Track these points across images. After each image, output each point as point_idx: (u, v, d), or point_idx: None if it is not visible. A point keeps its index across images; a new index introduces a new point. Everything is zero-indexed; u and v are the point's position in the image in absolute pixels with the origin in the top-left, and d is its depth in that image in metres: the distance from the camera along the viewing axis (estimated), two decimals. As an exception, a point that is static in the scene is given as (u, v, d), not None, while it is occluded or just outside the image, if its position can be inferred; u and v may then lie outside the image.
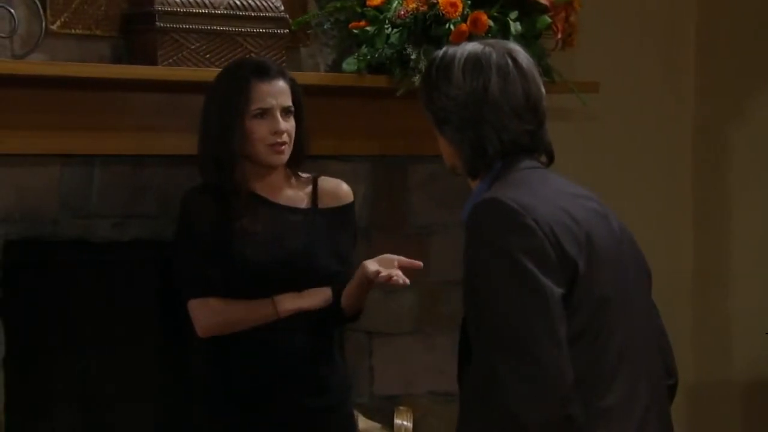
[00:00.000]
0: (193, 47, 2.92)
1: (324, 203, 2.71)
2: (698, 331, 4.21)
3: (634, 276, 2.03)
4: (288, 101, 2.64)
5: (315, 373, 2.68)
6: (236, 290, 2.62)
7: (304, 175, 2.74)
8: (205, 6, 2.96)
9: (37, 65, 2.81)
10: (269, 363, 2.64)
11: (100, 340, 3.10)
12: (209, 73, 2.94)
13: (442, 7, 3.09)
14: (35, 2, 2.81)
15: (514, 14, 3.18)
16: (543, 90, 2.04)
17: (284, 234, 2.65)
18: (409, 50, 3.10)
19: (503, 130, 1.97)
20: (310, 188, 2.71)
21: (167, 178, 3.08)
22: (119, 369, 3.12)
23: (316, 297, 2.65)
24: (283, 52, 3.07)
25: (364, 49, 3.13)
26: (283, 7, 3.08)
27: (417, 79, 3.02)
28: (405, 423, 3.16)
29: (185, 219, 2.67)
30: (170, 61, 2.90)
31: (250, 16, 3.01)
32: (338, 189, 2.75)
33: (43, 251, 2.95)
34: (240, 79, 2.62)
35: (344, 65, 3.16)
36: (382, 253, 3.45)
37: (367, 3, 3.16)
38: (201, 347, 2.71)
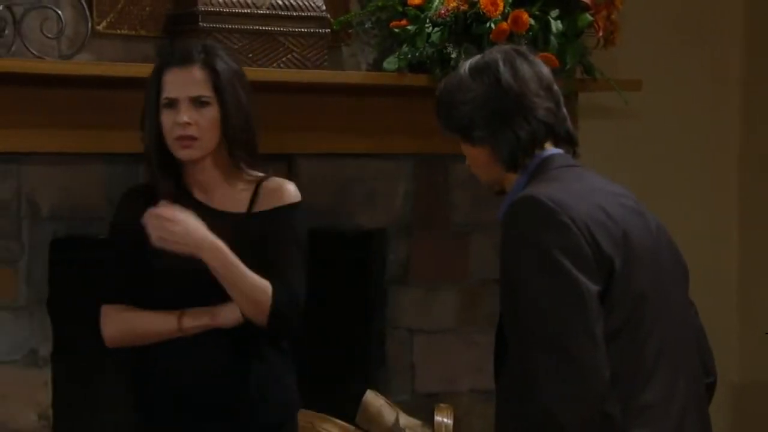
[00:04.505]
0: (235, 47, 2.95)
1: (261, 205, 2.40)
2: (744, 331, 4.18)
3: (671, 274, 2.03)
4: (198, 91, 2.37)
5: (233, 394, 2.38)
6: (155, 300, 2.39)
7: (253, 175, 2.44)
8: (248, 6, 2.99)
9: (83, 65, 2.85)
10: (184, 381, 2.37)
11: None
12: (251, 73, 2.96)
13: (482, 6, 3.10)
14: (81, 3, 2.85)
15: (555, 12, 3.19)
16: (551, 73, 2.07)
17: None
18: (449, 49, 3.11)
19: (527, 112, 2.01)
20: (251, 190, 2.42)
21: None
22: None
23: (228, 314, 2.35)
24: (325, 51, 3.09)
25: (404, 48, 3.15)
26: (324, 7, 3.10)
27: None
28: (445, 420, 3.17)
29: (113, 219, 2.50)
30: (213, 60, 2.94)
31: (291, 16, 3.04)
32: (280, 189, 2.42)
33: (89, 249, 2.99)
34: (156, 69, 2.43)
35: (385, 64, 3.18)
36: (424, 251, 3.49)
37: (408, 2, 3.18)
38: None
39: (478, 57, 2.08)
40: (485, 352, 3.37)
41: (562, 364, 1.83)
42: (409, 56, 3.13)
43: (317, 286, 3.40)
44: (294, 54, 3.04)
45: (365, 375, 3.42)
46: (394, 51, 3.20)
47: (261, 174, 2.43)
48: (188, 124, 2.36)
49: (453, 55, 3.09)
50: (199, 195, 2.41)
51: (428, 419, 3.22)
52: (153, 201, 2.36)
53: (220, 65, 2.38)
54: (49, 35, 2.79)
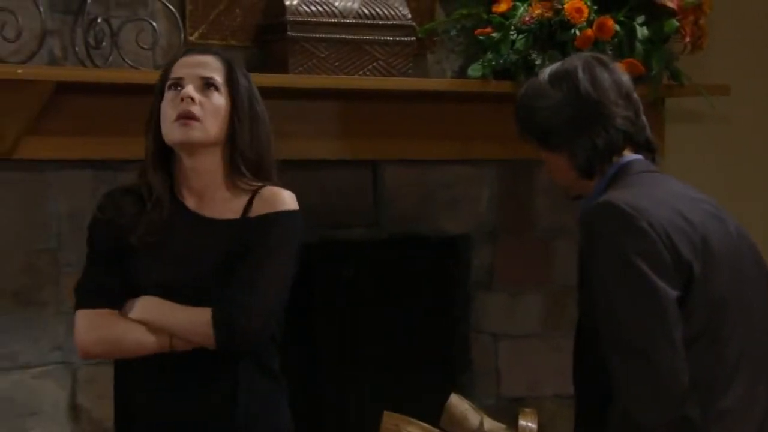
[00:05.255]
0: (322, 55, 3.00)
1: (254, 212, 2.17)
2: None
3: (752, 279, 2.03)
4: (210, 73, 2.17)
5: (222, 429, 2.15)
6: None
7: (252, 185, 2.20)
8: (335, 15, 3.04)
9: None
10: (171, 421, 2.15)
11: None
12: (338, 81, 3.04)
13: (567, 13, 3.12)
14: (175, 15, 2.93)
15: (640, 18, 3.19)
16: (631, 81, 2.08)
17: (195, 250, 2.16)
18: (533, 56, 3.13)
19: (605, 120, 2.03)
20: (247, 197, 2.19)
21: (298, 181, 3.18)
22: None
23: None
24: (410, 59, 3.13)
25: (489, 55, 3.17)
26: (410, 15, 3.14)
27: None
28: (530, 425, 3.17)
29: (90, 222, 2.25)
30: (301, 69, 2.99)
31: (377, 25, 3.08)
32: (274, 196, 2.18)
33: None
34: (168, 63, 2.27)
35: (469, 71, 3.20)
36: (508, 257, 3.51)
37: (493, 9, 3.20)
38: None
39: (557, 64, 2.10)
40: (570, 357, 3.39)
41: (641, 368, 1.84)
42: (493, 63, 3.15)
43: (403, 290, 3.47)
44: (379, 62, 3.08)
45: (450, 379, 3.44)
46: (478, 58, 3.22)
47: (257, 183, 2.19)
48: (192, 100, 2.13)
49: (537, 62, 3.11)
50: (190, 203, 2.19)
51: (513, 423, 3.23)
52: (136, 204, 2.19)
53: (237, 66, 2.22)
54: (144, 46, 2.87)
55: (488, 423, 3.20)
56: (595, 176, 2.05)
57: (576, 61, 2.08)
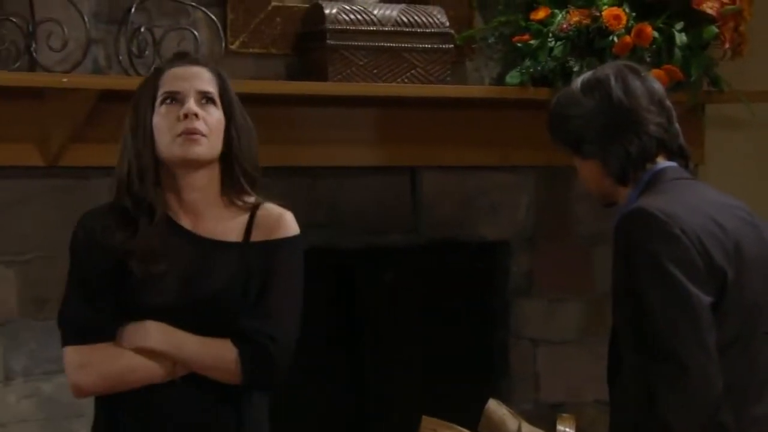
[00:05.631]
0: (361, 63, 3.04)
1: (258, 235, 2.08)
2: None
3: None
4: (207, 86, 2.08)
5: None
6: None
7: (245, 201, 2.11)
8: (374, 23, 3.07)
9: (217, 83, 2.98)
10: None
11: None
12: (377, 88, 3.07)
13: (605, 20, 3.12)
14: (216, 24, 2.98)
15: (679, 25, 3.19)
16: (663, 89, 2.10)
17: (198, 274, 2.05)
18: (571, 62, 3.14)
19: (637, 127, 2.05)
20: (245, 218, 2.09)
21: (338, 188, 3.22)
22: (290, 373, 3.24)
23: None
24: (448, 66, 3.15)
25: (527, 62, 3.19)
26: (448, 23, 3.16)
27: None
28: (567, 430, 3.18)
29: (71, 246, 2.11)
30: (340, 76, 3.02)
31: (416, 32, 3.11)
32: (280, 220, 2.09)
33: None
34: (152, 72, 2.16)
35: (507, 78, 3.22)
36: (547, 263, 3.51)
37: (531, 17, 3.22)
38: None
39: (590, 73, 2.12)
40: (609, 364, 3.39)
41: (675, 374, 1.86)
42: (531, 70, 3.17)
43: (442, 296, 3.49)
44: (418, 69, 3.11)
45: (489, 384, 3.46)
46: (516, 65, 3.24)
47: (252, 199, 2.11)
48: (196, 116, 2.04)
49: (575, 69, 3.12)
50: (185, 222, 2.08)
51: (551, 429, 3.24)
52: (122, 226, 2.05)
53: (227, 77, 2.15)
54: (186, 54, 2.92)
55: (526, 428, 3.21)
56: (628, 183, 2.06)
57: (608, 69, 2.10)
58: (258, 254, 2.06)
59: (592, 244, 3.52)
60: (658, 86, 2.09)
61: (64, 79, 2.67)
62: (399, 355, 3.44)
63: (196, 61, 2.15)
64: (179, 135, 2.04)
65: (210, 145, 2.06)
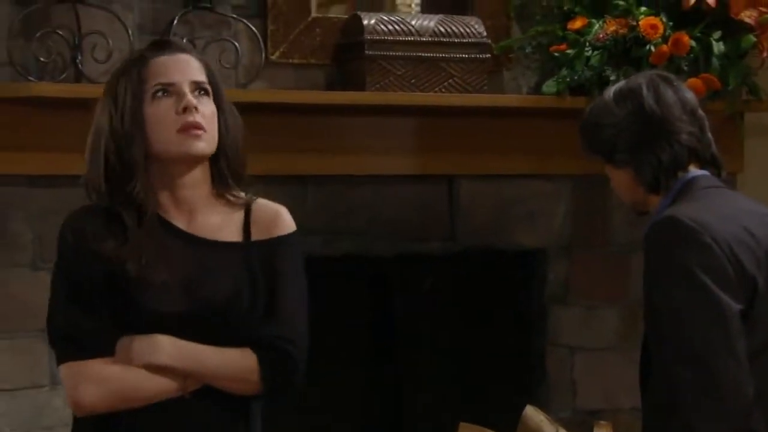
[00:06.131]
0: (399, 73, 3.07)
1: (258, 233, 1.96)
2: None
3: None
4: (200, 76, 1.95)
5: None
6: None
7: (236, 196, 1.99)
8: (411, 34, 3.10)
9: (258, 93, 3.00)
10: None
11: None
12: (415, 98, 3.10)
13: (642, 29, 3.14)
14: (257, 35, 3.02)
15: (717, 34, 3.19)
16: (695, 98, 2.12)
17: (201, 278, 1.91)
18: (608, 72, 3.15)
19: (669, 136, 2.07)
20: (241, 215, 1.97)
21: (376, 196, 3.25)
22: (327, 380, 3.25)
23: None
24: (485, 75, 3.17)
25: (564, 72, 3.20)
26: (485, 33, 3.18)
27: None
28: (604, 437, 3.19)
29: (60, 252, 1.93)
30: (378, 86, 3.05)
31: (453, 42, 3.13)
32: (277, 216, 1.98)
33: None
34: (132, 61, 1.96)
35: (544, 87, 3.23)
36: (584, 271, 3.52)
37: (568, 27, 3.23)
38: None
39: (623, 82, 2.14)
40: (645, 371, 3.40)
41: (704, 381, 1.87)
42: (568, 79, 3.18)
43: (479, 303, 3.51)
44: (455, 79, 3.13)
45: (526, 391, 3.48)
46: (554, 74, 3.25)
47: (242, 195, 1.99)
48: (196, 109, 1.90)
49: (612, 78, 3.13)
50: (179, 221, 1.94)
51: (588, 436, 3.25)
52: (111, 227, 1.90)
53: (209, 62, 2.00)
54: (227, 65, 2.95)
55: (563, 435, 3.23)
56: (660, 192, 2.08)
57: (640, 79, 2.12)
58: (259, 253, 1.95)
59: (628, 251, 3.52)
60: (690, 96, 2.11)
61: (109, 90, 2.73)
62: (437, 361, 3.46)
63: (181, 49, 1.99)
64: (180, 130, 1.91)
65: (210, 140, 1.93)
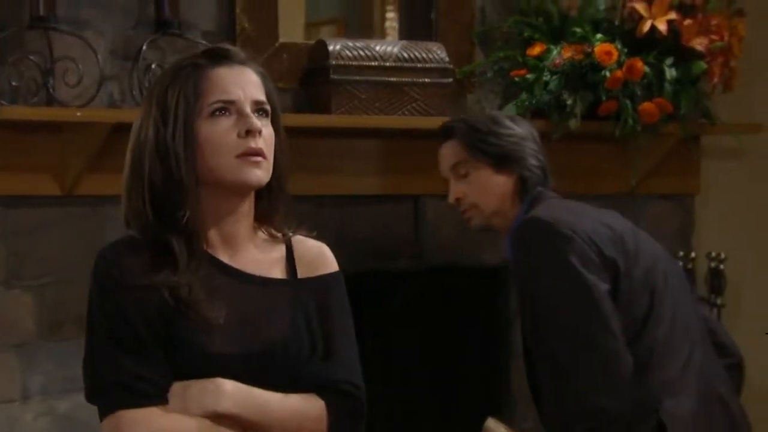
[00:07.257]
0: (363, 97, 3.16)
1: (305, 272, 1.81)
2: None
3: (673, 271, 2.30)
4: (260, 94, 1.75)
5: None
6: None
7: (272, 232, 1.82)
8: (375, 59, 3.19)
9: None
10: None
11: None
12: (378, 120, 3.19)
13: (597, 56, 3.24)
14: (226, 59, 3.11)
15: (669, 60, 3.29)
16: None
17: (258, 317, 1.75)
18: (565, 96, 3.26)
19: (537, 161, 2.41)
20: (281, 250, 1.81)
21: (343, 216, 3.34)
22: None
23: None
24: (447, 99, 3.26)
25: (524, 96, 3.30)
26: (447, 58, 3.27)
27: (572, 122, 3.20)
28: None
29: (102, 290, 1.72)
30: (343, 109, 3.14)
31: (416, 68, 3.22)
32: (322, 254, 1.83)
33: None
34: (185, 68, 1.73)
35: (505, 110, 3.33)
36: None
37: (528, 52, 3.34)
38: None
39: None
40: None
41: (587, 353, 2.07)
42: (527, 103, 3.28)
43: (445, 318, 3.59)
44: (418, 102, 3.22)
45: (492, 403, 3.56)
46: (515, 98, 3.35)
47: (274, 230, 1.82)
48: (260, 133, 1.71)
49: (568, 102, 3.24)
50: (223, 255, 1.75)
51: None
52: (155, 264, 1.69)
53: (267, 75, 1.81)
54: (196, 88, 3.05)
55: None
56: (522, 201, 2.38)
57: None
58: (309, 292, 1.78)
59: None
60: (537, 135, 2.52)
61: (78, 113, 2.78)
62: (404, 374, 3.54)
63: (240, 60, 1.76)
64: (240, 155, 1.70)
65: (268, 168, 1.73)
